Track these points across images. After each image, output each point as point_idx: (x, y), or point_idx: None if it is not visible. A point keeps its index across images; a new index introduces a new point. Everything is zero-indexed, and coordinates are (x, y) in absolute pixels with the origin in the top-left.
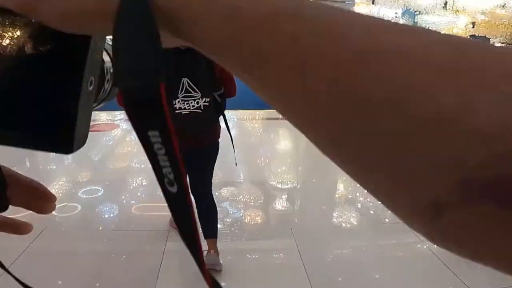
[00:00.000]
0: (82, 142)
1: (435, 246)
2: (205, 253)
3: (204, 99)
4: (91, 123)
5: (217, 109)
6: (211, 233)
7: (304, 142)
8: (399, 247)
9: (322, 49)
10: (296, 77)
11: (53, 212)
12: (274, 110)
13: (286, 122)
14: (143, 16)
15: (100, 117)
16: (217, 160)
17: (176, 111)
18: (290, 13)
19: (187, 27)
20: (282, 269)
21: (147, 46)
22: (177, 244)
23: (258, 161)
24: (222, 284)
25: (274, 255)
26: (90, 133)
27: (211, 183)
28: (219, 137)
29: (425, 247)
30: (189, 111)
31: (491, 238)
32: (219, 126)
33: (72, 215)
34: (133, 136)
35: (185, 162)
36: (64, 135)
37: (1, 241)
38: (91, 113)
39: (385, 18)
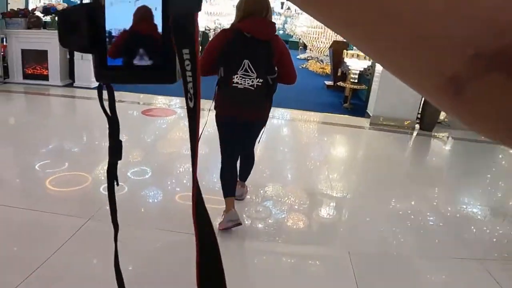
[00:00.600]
0: (179, 76)
1: (497, 270)
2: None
3: (258, 79)
4: (148, 107)
5: (268, 89)
6: (244, 178)
7: (362, 151)
8: (448, 267)
9: None
10: None
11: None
12: (331, 114)
13: (344, 128)
14: None
15: (157, 101)
16: (265, 159)
17: (233, 84)
18: None
19: None
20: (319, 277)
21: None
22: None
23: (307, 163)
24: (251, 281)
25: (309, 262)
26: (145, 117)
27: (254, 145)
28: (267, 116)
29: (474, 264)
30: (244, 87)
31: (506, 108)
32: (270, 106)
33: (119, 196)
34: (187, 122)
35: (240, 131)
36: (170, 70)
37: (58, 219)
38: None
39: None
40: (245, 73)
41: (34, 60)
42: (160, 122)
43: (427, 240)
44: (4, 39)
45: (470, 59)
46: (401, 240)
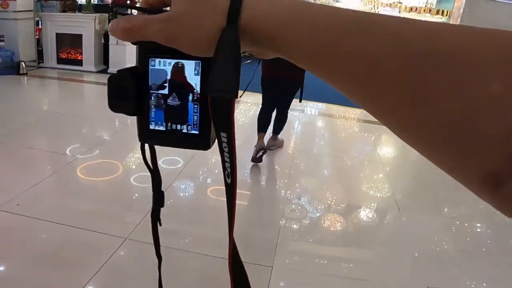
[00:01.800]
0: (213, 141)
1: None
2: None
3: None
4: None
5: None
6: (277, 131)
7: (413, 156)
8: (492, 278)
9: (385, 53)
10: (368, 77)
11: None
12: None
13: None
14: (232, 52)
15: None
16: (303, 156)
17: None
18: (357, 28)
19: (278, 46)
20: (347, 283)
21: (232, 72)
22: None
23: (345, 158)
24: (281, 284)
25: (343, 264)
26: None
27: (289, 105)
28: (301, 79)
29: None
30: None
31: None
32: (303, 73)
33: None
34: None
35: (279, 87)
36: (204, 138)
37: (94, 236)
38: None
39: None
40: None
41: (69, 44)
42: None
43: (472, 244)
44: (40, 22)
45: (507, 158)
46: (442, 245)
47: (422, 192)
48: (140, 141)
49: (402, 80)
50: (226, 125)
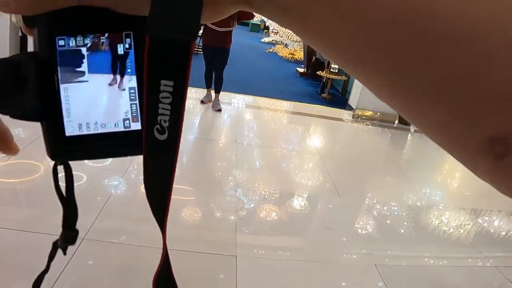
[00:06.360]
0: None
1: None
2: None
3: (230, 28)
4: None
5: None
6: (218, 90)
7: (348, 144)
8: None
9: None
10: (359, 13)
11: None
12: (310, 104)
13: (325, 120)
14: None
15: None
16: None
17: (216, 29)
18: None
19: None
20: (307, 266)
21: (191, 4)
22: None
23: (275, 149)
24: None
25: (280, 252)
26: None
27: (223, 68)
28: (229, 46)
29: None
30: (221, 31)
31: None
32: (231, 40)
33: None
34: None
35: (214, 53)
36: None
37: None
38: None
39: None
40: (225, 27)
41: None
42: None
43: (391, 227)
44: None
45: None
46: (366, 227)
47: (358, 178)
48: (53, 159)
49: (395, 21)
50: (175, 73)
